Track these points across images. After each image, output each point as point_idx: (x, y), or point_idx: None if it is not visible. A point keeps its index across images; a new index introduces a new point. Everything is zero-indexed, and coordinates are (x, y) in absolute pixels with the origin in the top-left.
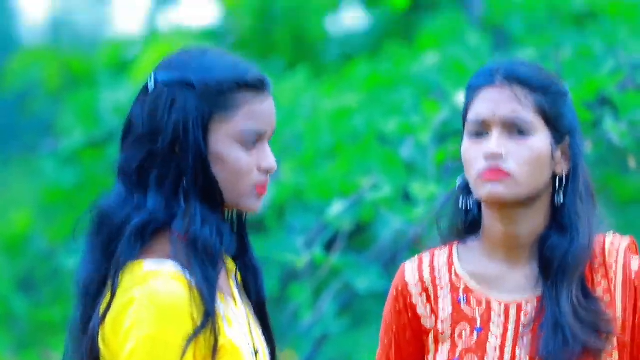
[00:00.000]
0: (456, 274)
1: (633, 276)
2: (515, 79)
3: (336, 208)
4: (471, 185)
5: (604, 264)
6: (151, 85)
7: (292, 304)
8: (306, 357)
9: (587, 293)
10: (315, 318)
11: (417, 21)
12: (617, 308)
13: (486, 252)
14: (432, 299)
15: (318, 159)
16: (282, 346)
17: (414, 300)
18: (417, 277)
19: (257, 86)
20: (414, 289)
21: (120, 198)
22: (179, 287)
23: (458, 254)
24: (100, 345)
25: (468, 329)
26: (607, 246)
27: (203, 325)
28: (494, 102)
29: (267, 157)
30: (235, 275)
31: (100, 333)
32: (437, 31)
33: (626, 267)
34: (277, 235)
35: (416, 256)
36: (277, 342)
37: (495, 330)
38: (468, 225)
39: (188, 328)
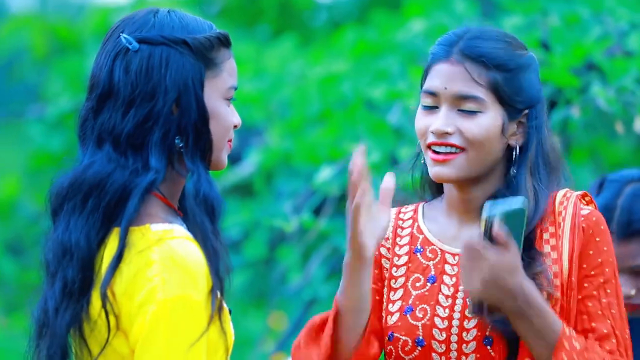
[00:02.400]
0: (418, 228)
1: (581, 219)
2: (471, 55)
3: (324, 174)
4: (423, 153)
5: (553, 212)
6: (133, 46)
7: (280, 267)
8: (295, 320)
9: (527, 250)
10: (304, 281)
11: None
12: (564, 249)
13: (445, 211)
14: (390, 246)
15: (306, 125)
16: (271, 308)
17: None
18: None
19: (230, 42)
20: None
21: (114, 163)
22: (195, 248)
23: (423, 211)
24: (107, 308)
25: (422, 279)
26: (558, 197)
27: (220, 284)
28: (446, 77)
29: (235, 113)
30: None
31: (107, 296)
32: None
33: (575, 213)
34: (266, 200)
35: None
36: (266, 303)
37: (448, 281)
38: (430, 183)
39: (207, 287)
